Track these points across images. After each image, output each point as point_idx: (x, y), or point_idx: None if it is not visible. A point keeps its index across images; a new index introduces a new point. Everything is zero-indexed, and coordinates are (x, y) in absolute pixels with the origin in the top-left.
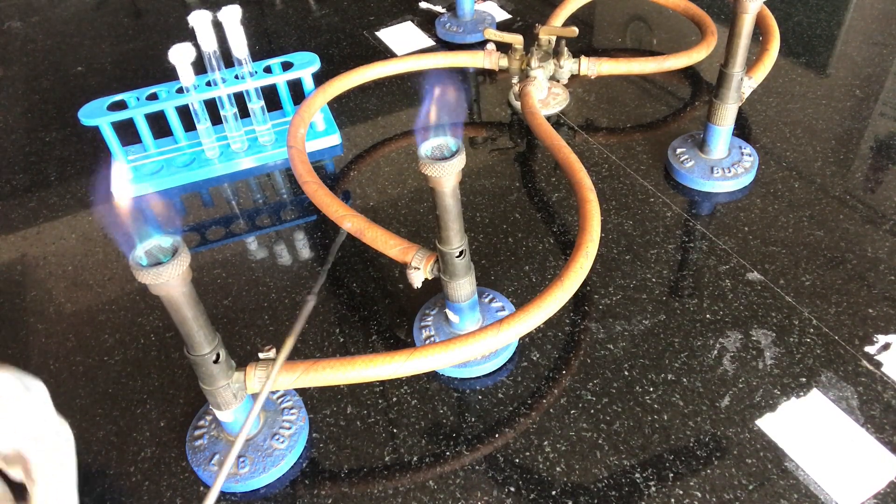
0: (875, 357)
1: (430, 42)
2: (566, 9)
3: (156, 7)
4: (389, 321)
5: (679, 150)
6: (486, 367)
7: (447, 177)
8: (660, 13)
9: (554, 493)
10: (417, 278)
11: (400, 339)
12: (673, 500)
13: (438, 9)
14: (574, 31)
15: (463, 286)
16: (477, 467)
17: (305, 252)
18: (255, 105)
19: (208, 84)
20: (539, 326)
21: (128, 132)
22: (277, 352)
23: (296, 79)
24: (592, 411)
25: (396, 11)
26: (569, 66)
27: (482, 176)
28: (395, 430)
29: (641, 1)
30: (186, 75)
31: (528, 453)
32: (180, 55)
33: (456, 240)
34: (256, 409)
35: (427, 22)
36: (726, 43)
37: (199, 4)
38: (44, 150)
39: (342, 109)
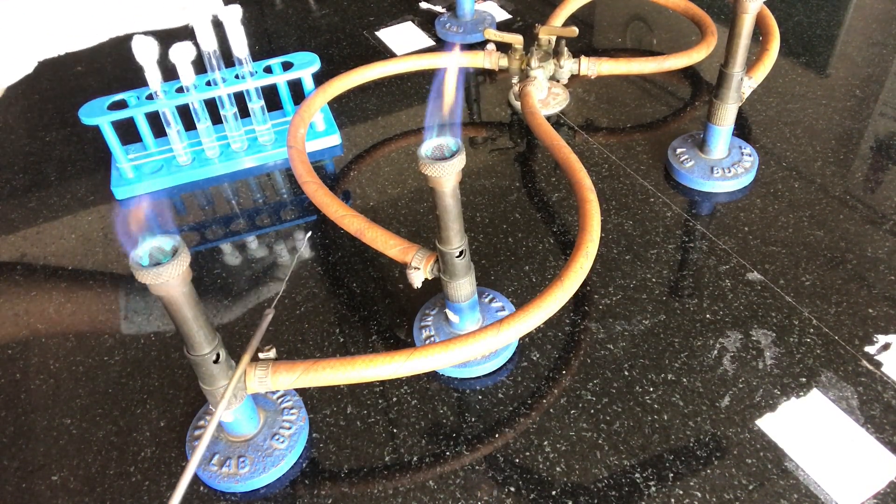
0: (875, 357)
1: (430, 42)
2: (566, 9)
3: None
4: (389, 321)
5: (679, 150)
6: (486, 367)
7: (447, 177)
8: (660, 13)
9: (554, 493)
10: (417, 278)
11: (400, 339)
12: (673, 500)
13: (438, 9)
14: (574, 31)
15: (463, 286)
16: (477, 467)
17: (305, 252)
18: (255, 105)
19: (208, 84)
20: (539, 326)
21: (128, 132)
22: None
23: (296, 79)
24: (592, 411)
25: (396, 11)
26: (569, 66)
27: (482, 176)
28: (395, 430)
29: (641, 1)
30: (187, 75)
31: (528, 453)
32: (180, 54)
33: (456, 240)
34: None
35: (427, 22)
36: (726, 43)
37: None
38: (44, 150)
39: (342, 109)
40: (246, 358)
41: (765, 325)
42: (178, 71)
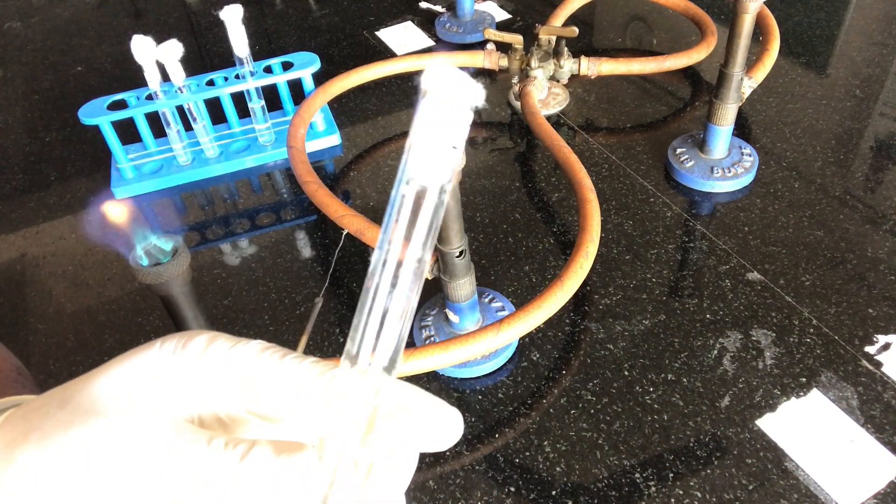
0: (875, 357)
1: (430, 42)
2: (566, 9)
3: (156, 7)
4: None
5: (679, 150)
6: (486, 367)
7: None
8: (660, 13)
9: (554, 493)
10: None
11: None
12: (673, 500)
13: (438, 9)
14: (574, 31)
15: (463, 286)
16: (477, 467)
17: (306, 252)
18: (256, 105)
19: (210, 83)
20: (539, 326)
21: (128, 132)
22: None
23: (296, 79)
24: (592, 411)
25: (396, 11)
26: (569, 66)
27: (482, 176)
28: None
29: (641, 1)
30: (176, 73)
31: (528, 453)
32: (168, 53)
33: (456, 240)
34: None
35: (427, 22)
36: (726, 43)
37: (200, 4)
38: (44, 150)
39: (342, 109)
40: (302, 342)
41: (765, 325)
42: (167, 69)
